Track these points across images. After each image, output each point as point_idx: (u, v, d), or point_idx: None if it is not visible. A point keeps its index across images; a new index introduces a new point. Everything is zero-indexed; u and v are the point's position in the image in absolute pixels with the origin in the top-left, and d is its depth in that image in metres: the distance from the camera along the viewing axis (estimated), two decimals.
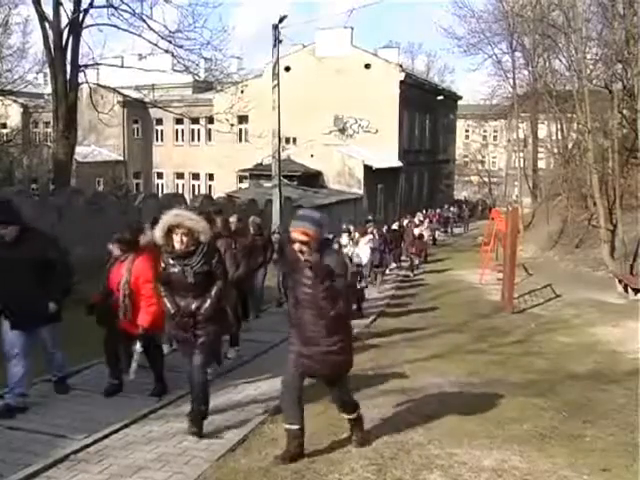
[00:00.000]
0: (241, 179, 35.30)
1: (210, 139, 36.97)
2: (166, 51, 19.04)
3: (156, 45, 18.54)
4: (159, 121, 39.05)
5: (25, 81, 25.09)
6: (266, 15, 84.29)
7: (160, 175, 40.30)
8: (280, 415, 5.41)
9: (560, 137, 24.94)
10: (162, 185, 39.84)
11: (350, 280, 4.16)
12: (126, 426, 5.08)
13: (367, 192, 32.32)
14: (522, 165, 30.16)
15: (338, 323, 4.17)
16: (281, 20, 17.64)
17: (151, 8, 18.12)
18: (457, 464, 4.34)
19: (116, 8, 17.19)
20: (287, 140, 31.73)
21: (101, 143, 36.79)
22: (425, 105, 39.35)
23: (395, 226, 22.50)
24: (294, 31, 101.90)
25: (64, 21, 17.30)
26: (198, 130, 38.44)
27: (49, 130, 31.77)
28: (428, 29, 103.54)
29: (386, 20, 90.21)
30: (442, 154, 45.43)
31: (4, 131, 32.89)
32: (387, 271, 18.08)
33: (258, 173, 31.18)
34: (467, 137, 54.34)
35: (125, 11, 17.31)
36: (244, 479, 4.08)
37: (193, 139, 39.64)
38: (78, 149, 20.40)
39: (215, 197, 20.28)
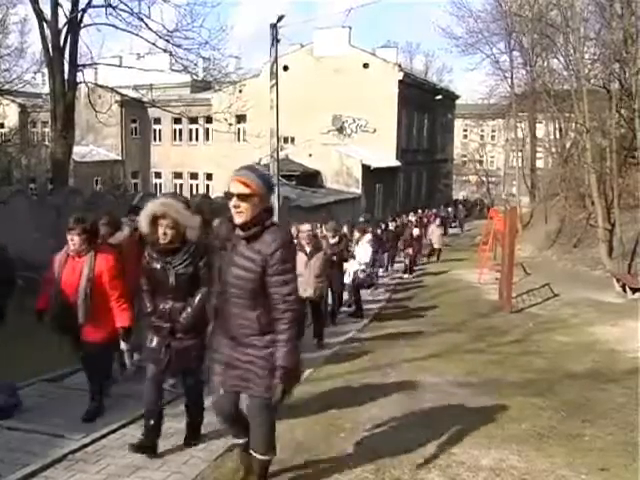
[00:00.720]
0: None
1: (208, 139, 37.04)
2: (164, 50, 19.07)
3: (154, 44, 18.58)
4: (157, 120, 39.05)
5: (23, 81, 25.09)
6: (264, 15, 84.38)
7: (158, 175, 40.28)
8: (278, 412, 5.46)
9: (558, 136, 24.98)
10: (160, 185, 39.82)
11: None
12: (124, 426, 5.06)
13: (365, 192, 32.33)
14: (520, 164, 30.18)
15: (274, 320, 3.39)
16: (279, 19, 17.62)
17: (149, 7, 18.18)
18: (455, 463, 4.34)
19: (114, 7, 17.23)
20: (285, 140, 31.75)
21: (99, 143, 36.81)
22: (423, 105, 39.37)
23: (391, 226, 22.30)
24: (292, 30, 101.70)
25: (62, 21, 17.35)
26: (196, 130, 38.46)
27: (47, 130, 31.74)
28: (426, 29, 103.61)
29: (384, 20, 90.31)
30: (440, 153, 45.46)
31: (2, 131, 32.89)
32: (380, 272, 17.98)
33: None
34: (465, 137, 54.36)
35: (123, 10, 17.37)
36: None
37: (191, 139, 39.64)
38: (76, 149, 20.41)
39: (213, 197, 20.26)
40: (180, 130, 39.53)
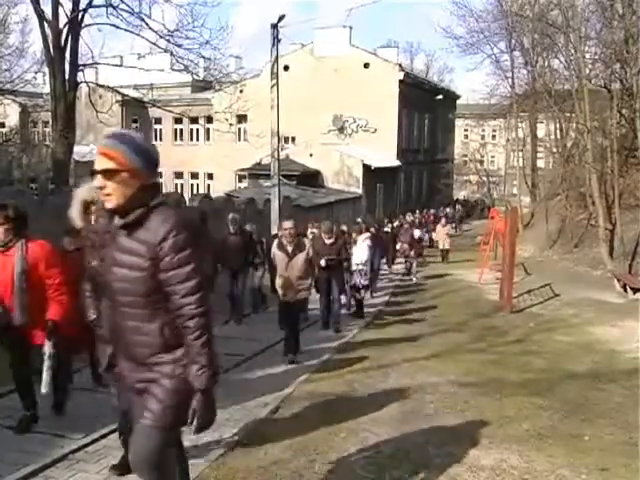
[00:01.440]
0: (240, 178, 35.34)
1: (209, 138, 37.01)
2: (165, 50, 19.05)
3: (155, 44, 18.57)
4: (158, 120, 39.04)
5: (24, 80, 25.08)
6: (265, 14, 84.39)
7: (159, 174, 40.14)
8: (279, 412, 5.46)
9: (559, 136, 24.95)
10: (161, 184, 39.76)
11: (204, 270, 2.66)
12: None
13: (366, 191, 32.32)
14: (521, 164, 30.16)
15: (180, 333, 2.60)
16: (280, 19, 17.61)
17: (150, 7, 18.18)
18: (456, 463, 4.34)
19: (115, 7, 17.21)
20: (286, 139, 31.76)
21: (100, 142, 36.73)
22: (424, 104, 39.34)
23: (387, 228, 21.63)
24: (293, 30, 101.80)
25: (63, 20, 17.32)
26: (197, 129, 38.42)
27: (48, 129, 31.78)
28: (427, 29, 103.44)
29: (385, 20, 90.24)
30: (441, 153, 45.43)
31: (3, 130, 32.91)
32: (384, 269, 17.76)
33: (257, 172, 31.17)
34: (466, 136, 54.26)
35: (124, 10, 17.34)
36: (242, 479, 4.08)
37: (192, 138, 39.64)
38: (77, 148, 20.40)
39: (214, 197, 20.26)
40: (181, 130, 39.52)
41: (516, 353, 8.51)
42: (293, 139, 33.94)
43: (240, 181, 35.29)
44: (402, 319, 11.44)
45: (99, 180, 2.69)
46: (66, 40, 17.33)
